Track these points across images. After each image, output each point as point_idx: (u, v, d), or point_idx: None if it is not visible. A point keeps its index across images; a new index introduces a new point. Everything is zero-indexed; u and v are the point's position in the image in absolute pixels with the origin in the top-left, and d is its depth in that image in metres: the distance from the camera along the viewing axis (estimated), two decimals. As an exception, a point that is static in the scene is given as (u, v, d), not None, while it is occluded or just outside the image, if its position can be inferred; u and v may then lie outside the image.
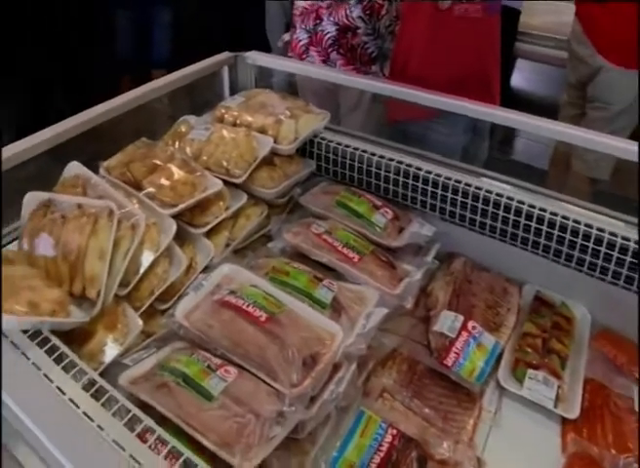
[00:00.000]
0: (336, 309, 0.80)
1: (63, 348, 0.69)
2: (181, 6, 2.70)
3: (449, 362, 0.84)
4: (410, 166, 1.09)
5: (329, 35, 1.75)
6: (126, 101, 1.12)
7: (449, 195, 1.05)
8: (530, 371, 0.87)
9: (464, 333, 0.89)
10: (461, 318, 0.90)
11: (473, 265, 1.06)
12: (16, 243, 0.90)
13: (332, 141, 1.16)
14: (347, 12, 1.69)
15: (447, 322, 0.89)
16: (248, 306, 0.74)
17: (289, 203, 1.08)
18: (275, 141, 1.05)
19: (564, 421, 0.83)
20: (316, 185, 1.10)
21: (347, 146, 1.15)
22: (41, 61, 2.21)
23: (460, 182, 1.04)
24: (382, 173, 1.12)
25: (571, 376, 0.88)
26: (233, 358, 0.70)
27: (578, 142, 1.05)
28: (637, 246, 0.89)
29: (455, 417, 0.79)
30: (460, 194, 1.04)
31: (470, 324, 0.90)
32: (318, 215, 1.00)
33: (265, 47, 2.21)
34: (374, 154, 1.13)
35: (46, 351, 0.69)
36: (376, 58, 1.74)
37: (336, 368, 0.73)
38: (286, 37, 2.14)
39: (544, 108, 1.32)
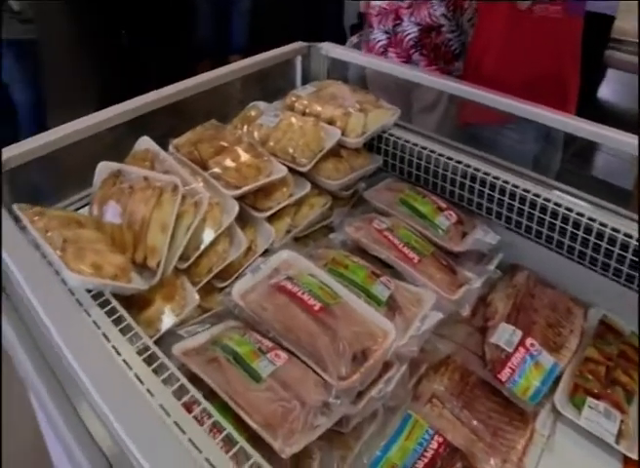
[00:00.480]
0: (391, 307, 0.80)
1: (122, 312, 0.73)
2: None
3: (503, 377, 0.82)
4: (477, 170, 1.07)
5: (410, 36, 1.74)
6: (200, 83, 1.16)
7: (516, 204, 1.03)
8: (590, 400, 0.84)
9: (522, 350, 0.86)
10: (520, 333, 0.88)
11: (537, 280, 1.03)
12: (87, 208, 0.95)
13: (400, 138, 1.16)
14: (430, 11, 1.67)
15: (504, 335, 0.87)
16: (303, 294, 0.75)
17: (353, 196, 1.09)
18: (343, 134, 1.06)
19: (626, 460, 0.78)
20: (381, 181, 1.11)
21: (415, 145, 1.15)
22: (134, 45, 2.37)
23: (528, 192, 1.01)
24: (449, 175, 1.11)
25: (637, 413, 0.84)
26: (284, 342, 0.72)
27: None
28: None
29: (504, 435, 0.77)
30: (527, 204, 1.02)
31: (529, 340, 0.88)
32: (381, 212, 1.00)
33: (342, 40, 2.23)
34: (441, 155, 1.12)
35: (106, 312, 0.73)
36: (459, 55, 1.72)
37: (386, 366, 0.73)
38: (354, 39, 2.14)
39: (632, 123, 1.26)
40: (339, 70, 1.40)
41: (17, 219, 0.87)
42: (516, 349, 0.86)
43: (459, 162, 1.09)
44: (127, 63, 2.42)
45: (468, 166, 1.08)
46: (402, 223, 0.96)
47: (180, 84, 1.13)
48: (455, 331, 0.87)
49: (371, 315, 0.76)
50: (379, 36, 1.81)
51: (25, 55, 2.03)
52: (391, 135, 1.17)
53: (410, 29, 1.72)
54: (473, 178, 1.07)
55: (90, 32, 2.42)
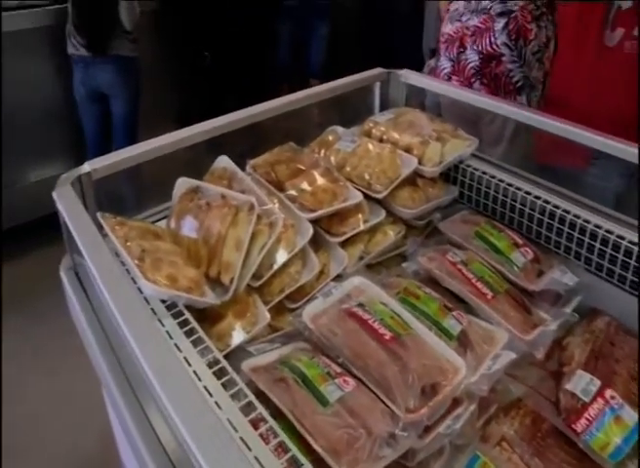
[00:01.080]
0: (462, 343, 0.81)
1: (194, 324, 0.77)
2: (341, 20, 2.89)
3: (578, 427, 0.80)
4: (557, 207, 1.06)
5: (472, 64, 1.76)
6: (279, 105, 1.22)
7: (597, 245, 1.01)
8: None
9: (600, 401, 0.84)
10: (599, 383, 0.86)
11: (618, 327, 1.00)
12: (165, 220, 1.02)
13: (477, 170, 1.17)
14: (492, 39, 1.70)
15: (581, 383, 0.85)
16: (374, 322, 0.77)
17: (427, 226, 1.11)
18: (420, 162, 1.09)
19: None
20: (457, 213, 1.12)
21: (492, 177, 1.15)
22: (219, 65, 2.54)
23: (611, 233, 0.99)
24: (527, 210, 1.10)
25: None
26: (352, 369, 0.73)
27: None
28: None
29: (577, 490, 0.75)
30: (609, 246, 0.99)
31: (609, 392, 0.85)
32: (455, 244, 1.01)
33: (420, 63, 2.28)
34: (519, 189, 1.12)
35: (179, 323, 0.78)
36: (521, 88, 1.72)
37: (455, 403, 0.73)
38: (432, 63, 2.19)
39: None
40: (417, 97, 1.44)
41: (100, 227, 0.95)
42: (594, 399, 0.83)
43: (537, 197, 1.09)
44: (209, 83, 2.58)
45: (547, 202, 1.07)
46: (477, 257, 0.97)
47: (260, 106, 1.20)
48: (527, 373, 0.86)
49: (441, 349, 0.77)
50: (444, 63, 1.85)
51: (129, 70, 2.24)
52: (468, 165, 1.18)
53: (472, 57, 1.75)
54: (552, 215, 1.07)
55: (176, 52, 2.60)
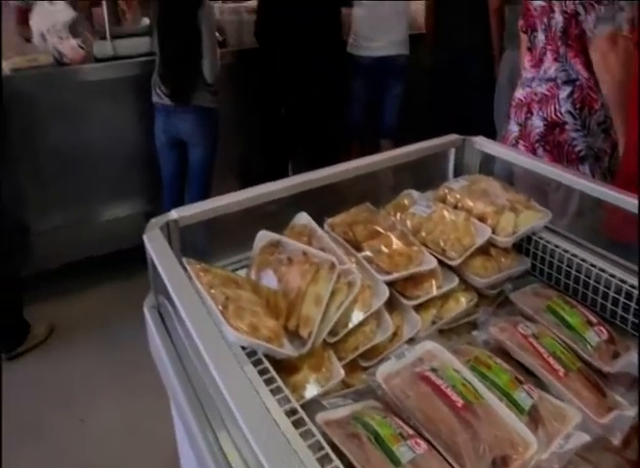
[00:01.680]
0: (533, 418, 0.83)
1: (273, 373, 0.84)
2: (414, 81, 3.04)
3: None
4: (633, 287, 1.08)
5: (537, 130, 1.83)
6: (356, 167, 1.31)
7: (678, 330, 1.02)
8: None
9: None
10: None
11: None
12: (245, 270, 1.11)
13: (549, 243, 1.21)
14: (556, 106, 1.76)
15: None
16: (447, 388, 0.81)
17: (499, 296, 1.15)
18: (493, 232, 1.14)
19: None
20: (528, 285, 1.15)
21: (566, 251, 1.19)
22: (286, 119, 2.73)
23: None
24: (601, 288, 1.13)
25: None
26: (424, 432, 0.77)
27: None
28: None
29: None
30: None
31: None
32: (527, 316, 1.05)
33: (492, 132, 2.36)
34: (593, 265, 1.14)
35: (259, 371, 0.84)
36: (584, 158, 1.76)
37: (524, 479, 0.76)
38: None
39: None
40: (491, 164, 1.50)
41: (185, 271, 1.04)
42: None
43: (612, 275, 1.11)
44: (281, 137, 2.76)
45: (623, 281, 1.10)
46: (548, 332, 1.00)
47: (338, 166, 1.30)
48: (602, 459, 0.87)
49: (512, 422, 0.80)
50: (513, 127, 1.93)
51: (208, 120, 2.44)
52: (541, 238, 1.22)
53: (537, 123, 1.82)
54: (628, 296, 1.08)
55: (253, 106, 2.81)
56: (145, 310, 1.13)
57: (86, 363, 2.31)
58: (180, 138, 2.43)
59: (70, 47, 2.59)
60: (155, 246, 1.08)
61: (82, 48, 2.62)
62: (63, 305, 2.58)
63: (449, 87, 3.12)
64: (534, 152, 1.83)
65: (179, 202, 2.45)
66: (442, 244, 1.09)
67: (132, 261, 2.45)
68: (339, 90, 2.86)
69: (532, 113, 1.85)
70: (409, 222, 1.16)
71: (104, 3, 2.55)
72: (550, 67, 1.80)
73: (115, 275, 2.65)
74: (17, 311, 2.32)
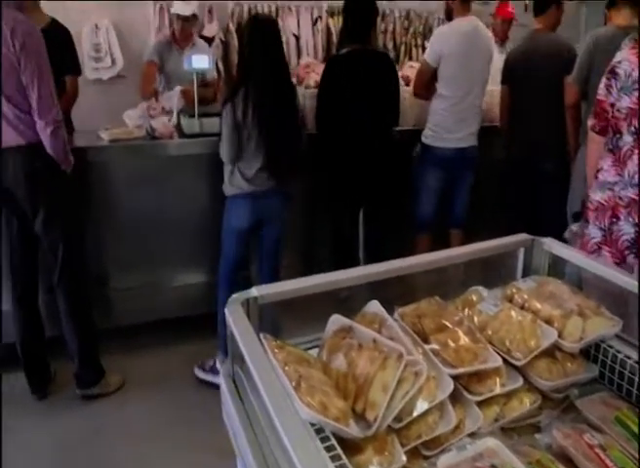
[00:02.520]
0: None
1: (339, 450, 0.92)
2: (485, 175, 3.16)
3: None
4: None
5: (626, 236, 1.83)
6: (427, 262, 1.42)
7: None
8: None
9: None
10: None
11: None
12: (316, 350, 1.22)
13: (620, 352, 1.25)
14: None
15: None
16: (507, 487, 0.86)
17: (564, 401, 1.19)
18: (560, 336, 1.20)
19: None
20: (595, 392, 1.19)
21: (637, 363, 1.22)
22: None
23: None
24: (674, 403, 1.15)
25: None
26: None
27: None
28: None
29: None
30: None
31: None
32: (593, 425, 1.08)
33: (562, 226, 2.40)
34: (666, 380, 1.17)
35: (325, 447, 0.92)
36: None
37: None
38: (574, 228, 2.30)
39: None
40: (560, 266, 1.57)
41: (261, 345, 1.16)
42: None
43: (685, 392, 1.14)
44: (350, 226, 2.91)
45: (697, 399, 1.12)
46: (616, 444, 1.02)
47: (410, 259, 1.41)
48: None
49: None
50: (593, 232, 1.94)
51: (287, 202, 2.63)
52: (610, 346, 1.26)
53: (626, 229, 1.82)
54: (703, 414, 1.10)
55: (323, 195, 3.00)
56: (222, 379, 1.25)
57: (150, 416, 2.47)
58: (261, 221, 2.56)
59: (162, 123, 2.91)
60: (236, 320, 1.21)
61: (171, 124, 2.95)
62: (135, 360, 2.79)
63: (521, 180, 3.19)
64: (622, 259, 1.83)
65: (236, 282, 2.59)
66: (507, 343, 1.16)
67: (201, 326, 2.64)
68: (411, 181, 3.00)
69: (618, 218, 1.85)
70: (476, 319, 1.24)
71: (195, 88, 2.87)
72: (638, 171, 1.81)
73: (185, 337, 2.85)
74: (94, 355, 2.58)
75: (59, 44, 2.73)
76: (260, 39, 2.37)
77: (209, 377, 2.60)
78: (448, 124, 2.98)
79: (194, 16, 3.61)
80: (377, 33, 4.75)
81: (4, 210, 2.38)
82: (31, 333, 2.53)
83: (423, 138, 3.05)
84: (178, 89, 3.08)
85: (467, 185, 3.10)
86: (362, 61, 2.73)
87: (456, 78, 2.94)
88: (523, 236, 1.56)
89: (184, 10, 3.56)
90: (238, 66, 2.47)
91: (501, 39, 4.30)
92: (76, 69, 3.14)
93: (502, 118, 3.32)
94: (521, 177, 3.19)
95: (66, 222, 2.45)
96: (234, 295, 1.30)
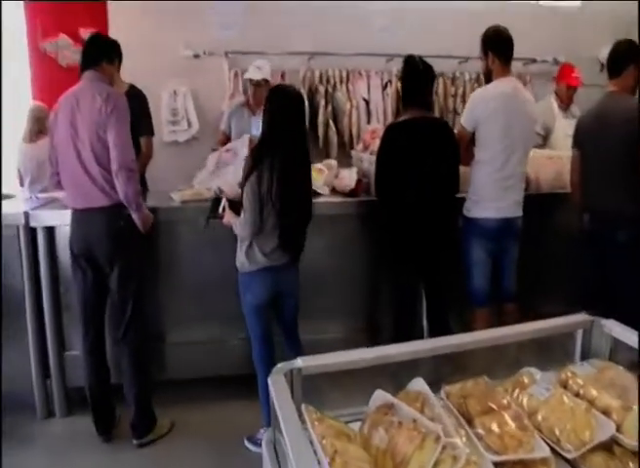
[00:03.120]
0: None
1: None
2: (536, 245, 3.06)
3: None
4: None
5: None
6: (479, 339, 1.42)
7: None
8: None
9: None
10: None
11: None
12: (358, 423, 1.24)
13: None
14: None
15: None
16: None
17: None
18: (618, 429, 1.15)
19: None
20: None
21: None
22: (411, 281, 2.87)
23: None
24: None
25: None
26: None
27: None
28: None
29: None
30: None
31: None
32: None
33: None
34: None
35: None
36: None
37: None
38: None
39: None
40: (624, 352, 1.51)
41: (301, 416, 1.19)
42: None
43: None
44: (411, 294, 2.90)
45: None
46: None
47: (461, 337, 1.41)
48: None
49: None
50: None
51: (298, 274, 2.65)
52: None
53: None
54: None
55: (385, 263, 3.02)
56: (263, 444, 1.30)
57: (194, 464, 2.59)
58: (280, 293, 2.57)
59: (229, 184, 3.08)
60: (278, 390, 1.25)
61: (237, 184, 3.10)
62: (185, 412, 2.90)
63: (594, 252, 3.06)
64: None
65: (272, 353, 2.62)
66: (557, 433, 1.13)
67: (253, 385, 2.69)
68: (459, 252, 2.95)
69: None
70: (525, 403, 1.22)
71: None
72: None
73: (235, 395, 2.89)
74: (149, 405, 2.72)
75: (135, 107, 2.97)
76: (283, 110, 2.42)
77: (259, 450, 2.61)
78: (488, 192, 2.87)
79: (266, 80, 3.81)
80: (436, 97, 4.82)
81: (83, 263, 2.57)
82: (99, 379, 2.68)
83: (465, 211, 2.95)
84: (246, 136, 3.21)
85: (514, 257, 2.98)
86: (419, 129, 2.75)
87: (493, 143, 2.84)
88: (581, 316, 1.52)
89: (256, 75, 3.81)
90: (262, 136, 2.47)
91: (566, 104, 4.23)
92: (150, 131, 3.40)
93: (573, 185, 3.17)
94: (594, 249, 3.06)
95: (138, 280, 2.63)
96: (279, 365, 1.34)
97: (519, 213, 2.94)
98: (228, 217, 2.55)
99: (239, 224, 2.47)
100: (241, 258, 2.53)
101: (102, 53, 2.64)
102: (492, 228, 2.89)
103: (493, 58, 2.90)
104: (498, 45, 2.91)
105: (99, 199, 2.49)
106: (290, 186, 2.41)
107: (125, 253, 2.55)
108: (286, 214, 2.43)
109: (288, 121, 2.43)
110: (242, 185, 2.46)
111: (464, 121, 2.95)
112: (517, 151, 2.87)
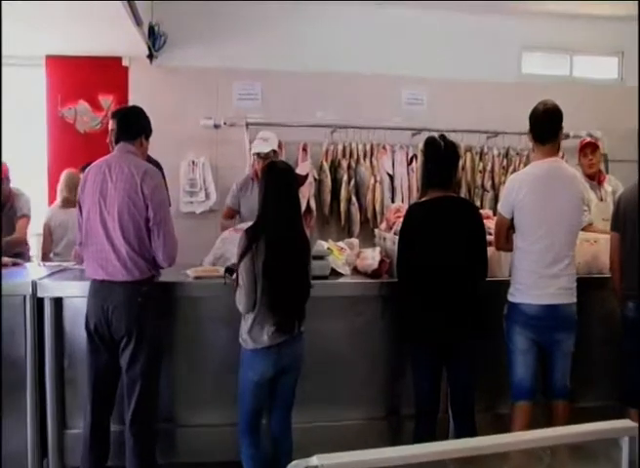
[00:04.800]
0: None
1: None
2: (597, 335, 2.98)
3: None
4: None
5: None
6: (503, 443, 1.38)
7: None
8: None
9: None
10: None
11: None
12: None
13: None
14: None
15: None
16: None
17: None
18: None
19: None
20: None
21: None
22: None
23: None
24: None
25: None
26: None
27: None
28: None
29: None
30: None
31: None
32: None
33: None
34: None
35: None
36: None
37: None
38: None
39: None
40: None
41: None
42: None
43: None
44: (432, 381, 2.83)
45: None
46: None
47: (486, 439, 1.38)
48: None
49: None
50: None
51: (304, 342, 2.65)
52: None
53: None
54: None
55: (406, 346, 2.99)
56: None
57: None
58: (282, 369, 2.56)
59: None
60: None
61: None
62: None
63: (634, 341, 2.95)
64: None
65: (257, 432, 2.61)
66: None
67: None
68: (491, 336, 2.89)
69: None
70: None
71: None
72: None
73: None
74: None
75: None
76: (276, 189, 2.54)
77: None
78: (532, 280, 2.81)
79: (274, 152, 3.88)
80: (462, 172, 4.91)
81: (97, 339, 2.59)
82: (97, 457, 2.64)
83: (509, 296, 2.91)
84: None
85: (566, 349, 2.85)
86: (441, 209, 2.78)
87: (533, 229, 2.81)
88: (627, 422, 1.46)
89: (263, 148, 3.85)
90: (258, 215, 2.58)
91: (597, 182, 4.16)
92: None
93: (613, 269, 3.14)
94: (638, 338, 2.94)
95: (151, 360, 2.63)
96: (294, 462, 1.32)
97: (569, 299, 2.84)
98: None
99: (236, 300, 2.55)
100: (244, 336, 2.58)
101: (143, 127, 2.79)
102: (535, 315, 2.82)
103: (530, 137, 2.94)
104: (533, 123, 2.91)
105: (120, 274, 2.56)
106: (284, 265, 2.49)
107: (140, 330, 2.58)
108: (281, 293, 2.49)
109: (281, 199, 2.55)
110: (237, 264, 2.54)
111: (501, 207, 2.96)
112: (560, 235, 2.82)
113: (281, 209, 2.54)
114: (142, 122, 2.80)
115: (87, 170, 2.69)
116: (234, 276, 2.64)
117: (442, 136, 2.90)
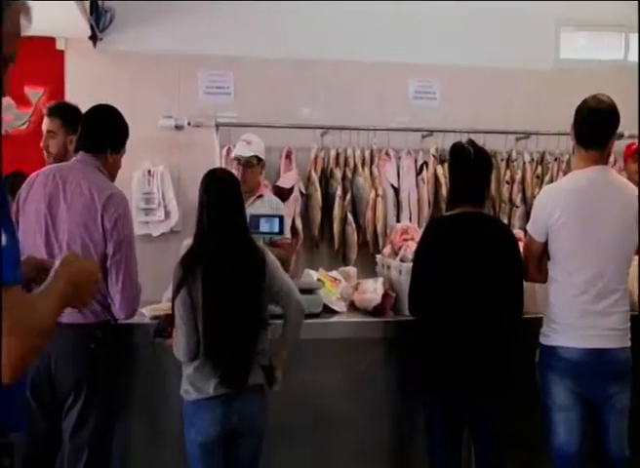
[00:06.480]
0: None
1: None
2: None
3: None
4: None
5: None
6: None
7: None
8: None
9: None
10: None
11: None
12: None
13: None
14: None
15: None
16: None
17: None
18: None
19: None
20: None
21: None
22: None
23: None
24: None
25: None
26: None
27: None
28: None
29: None
30: None
31: None
32: None
33: None
34: None
35: None
36: None
37: None
38: None
39: None
40: None
41: None
42: None
43: None
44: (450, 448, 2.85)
45: None
46: None
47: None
48: None
49: None
50: None
51: (264, 400, 2.64)
52: None
53: None
54: None
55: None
56: None
57: None
58: (233, 430, 2.55)
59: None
60: None
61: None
62: None
63: None
64: None
65: None
66: None
67: None
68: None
69: None
70: None
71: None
72: None
73: None
74: None
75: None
76: (218, 204, 2.57)
77: None
78: (571, 319, 2.76)
79: (258, 159, 3.87)
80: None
81: (34, 402, 2.56)
82: None
83: (542, 338, 2.87)
84: None
85: (619, 405, 2.77)
86: (471, 228, 2.80)
87: (570, 256, 2.78)
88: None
89: (243, 151, 3.83)
90: (194, 237, 2.61)
91: None
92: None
93: None
94: None
95: (102, 421, 2.63)
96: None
97: (622, 343, 2.79)
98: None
99: (173, 345, 2.57)
100: (184, 385, 2.58)
101: (110, 138, 2.75)
102: (578, 361, 2.76)
103: (572, 135, 2.91)
104: (579, 122, 2.87)
105: (69, 313, 2.51)
106: (226, 298, 2.48)
107: (91, 385, 2.58)
108: (222, 335, 2.49)
109: (221, 217, 2.56)
110: (172, 299, 2.56)
111: (530, 228, 2.93)
112: (608, 264, 2.78)
113: (221, 229, 2.56)
114: (111, 128, 2.78)
115: (31, 177, 2.66)
116: (170, 330, 2.65)
117: (471, 142, 2.95)
